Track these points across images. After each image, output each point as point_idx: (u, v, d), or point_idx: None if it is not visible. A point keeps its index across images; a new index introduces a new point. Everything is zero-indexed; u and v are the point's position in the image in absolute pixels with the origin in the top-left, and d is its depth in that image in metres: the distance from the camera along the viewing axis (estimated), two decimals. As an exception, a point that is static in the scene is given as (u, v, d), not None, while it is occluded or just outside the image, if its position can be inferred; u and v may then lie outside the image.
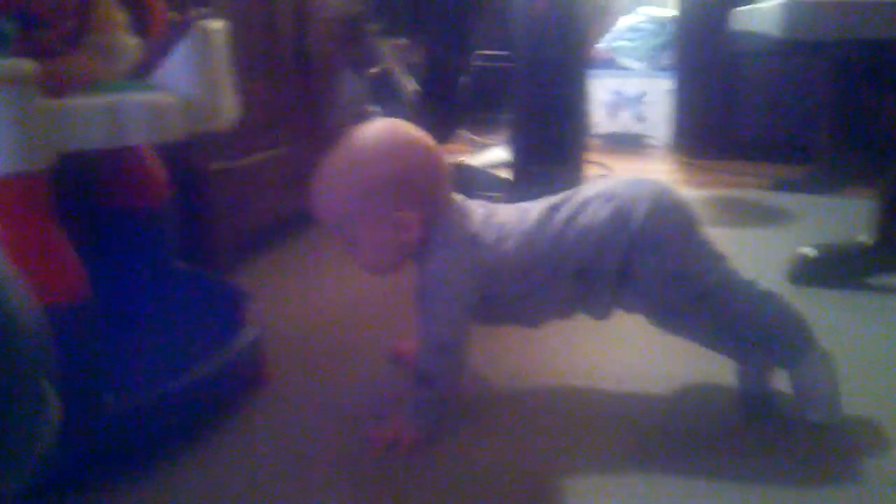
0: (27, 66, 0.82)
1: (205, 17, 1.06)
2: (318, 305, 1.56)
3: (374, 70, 2.74)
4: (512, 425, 1.08)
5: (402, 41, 2.85)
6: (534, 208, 1.11)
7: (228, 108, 1.10)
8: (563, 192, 1.13)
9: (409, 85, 2.86)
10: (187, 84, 1.02)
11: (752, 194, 2.66)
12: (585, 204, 1.08)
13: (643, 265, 1.05)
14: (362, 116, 2.39)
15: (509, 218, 1.10)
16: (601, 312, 1.13)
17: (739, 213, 2.42)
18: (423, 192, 1.05)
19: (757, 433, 1.07)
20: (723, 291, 1.06)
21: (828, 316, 1.23)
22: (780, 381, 1.12)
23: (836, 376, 1.06)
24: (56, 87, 0.90)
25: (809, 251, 1.68)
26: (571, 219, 1.07)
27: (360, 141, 1.07)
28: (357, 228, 1.05)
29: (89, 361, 0.91)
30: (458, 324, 1.05)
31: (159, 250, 1.26)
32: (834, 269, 1.66)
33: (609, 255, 1.05)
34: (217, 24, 1.08)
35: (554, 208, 1.10)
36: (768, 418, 1.10)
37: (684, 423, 1.10)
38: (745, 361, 1.14)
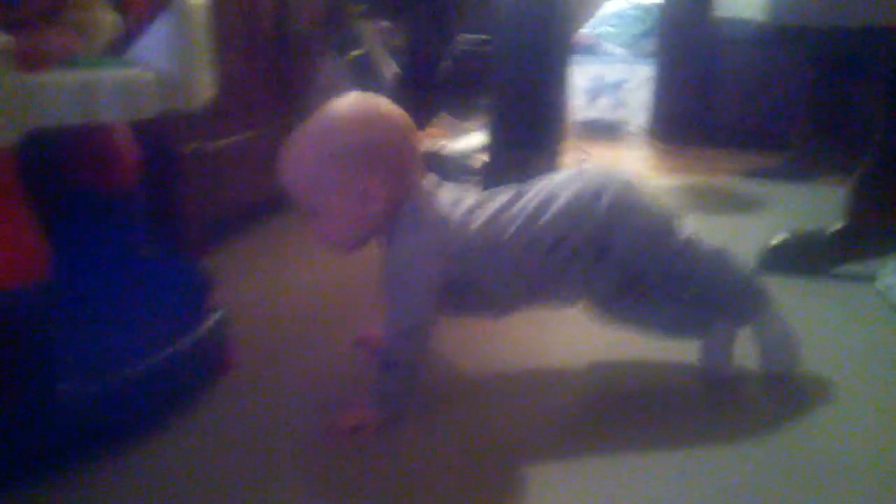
0: (1, 39, 0.81)
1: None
2: (286, 291, 1.56)
3: (355, 53, 2.74)
4: (477, 411, 1.09)
5: (384, 24, 2.84)
6: (503, 193, 1.13)
7: (205, 86, 1.09)
8: (530, 181, 1.15)
9: (391, 68, 2.86)
10: (164, 60, 1.01)
11: (728, 181, 2.69)
12: (557, 187, 1.11)
13: (621, 232, 1.08)
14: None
15: (478, 201, 1.11)
16: (571, 294, 1.15)
17: (714, 200, 2.45)
18: (392, 166, 1.05)
19: (721, 407, 1.11)
20: (688, 248, 1.12)
21: (794, 303, 1.25)
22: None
23: (792, 330, 1.17)
24: (29, 61, 0.90)
25: (780, 239, 1.71)
26: (546, 200, 1.09)
27: (334, 110, 1.06)
28: (323, 196, 1.04)
29: (45, 346, 0.90)
30: (424, 308, 1.05)
31: (127, 233, 1.24)
32: (803, 256, 1.68)
33: (586, 223, 1.08)
34: (197, 1, 1.07)
35: (523, 192, 1.12)
36: (733, 392, 1.16)
37: (649, 402, 1.13)
38: (709, 331, 1.17)
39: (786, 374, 1.18)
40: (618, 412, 1.11)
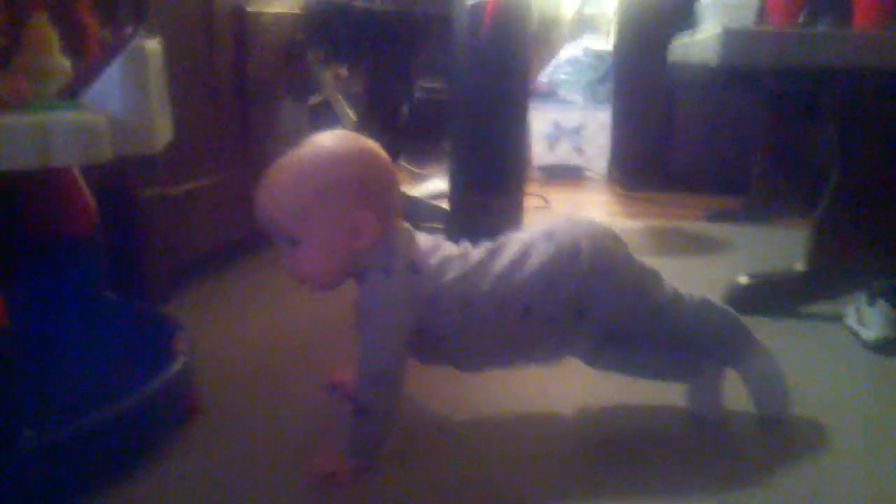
0: (-51, 82, 0.79)
1: (140, 37, 1.04)
2: (253, 335, 1.53)
3: (314, 99, 2.73)
4: (451, 456, 1.07)
5: (343, 70, 2.85)
6: (475, 249, 1.11)
7: (161, 130, 1.07)
8: (500, 237, 1.13)
9: (350, 114, 2.86)
10: (119, 104, 1.00)
11: (688, 225, 2.71)
12: (529, 245, 1.09)
13: (599, 294, 1.07)
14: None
15: (452, 253, 1.09)
16: (549, 355, 1.13)
17: (675, 243, 2.46)
18: (382, 203, 1.04)
19: (712, 449, 1.10)
20: (673, 304, 1.11)
21: (766, 343, 1.25)
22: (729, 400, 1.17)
23: (781, 371, 1.15)
24: (-20, 105, 0.87)
25: (744, 280, 1.71)
26: (517, 260, 1.07)
27: (318, 144, 1.05)
28: (312, 228, 1.01)
29: (5, 393, 0.87)
30: (394, 354, 1.02)
31: (87, 279, 1.23)
32: (768, 297, 1.69)
33: (561, 289, 1.06)
34: (153, 45, 1.06)
35: (495, 251, 1.10)
36: (722, 434, 1.14)
37: (633, 443, 1.11)
38: (696, 376, 1.16)
39: (778, 417, 1.16)
40: (604, 456, 1.08)
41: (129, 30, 1.04)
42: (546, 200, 3.02)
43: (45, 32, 1.11)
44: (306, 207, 1.01)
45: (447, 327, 1.06)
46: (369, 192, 1.03)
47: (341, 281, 1.07)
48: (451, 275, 1.06)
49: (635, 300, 1.09)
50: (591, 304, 1.07)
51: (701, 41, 1.80)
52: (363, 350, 1.02)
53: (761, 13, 2.03)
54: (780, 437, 1.13)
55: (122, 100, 1.00)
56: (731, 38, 1.57)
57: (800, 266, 1.69)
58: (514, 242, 1.11)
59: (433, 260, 1.06)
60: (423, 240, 1.10)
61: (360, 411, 1.01)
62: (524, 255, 1.08)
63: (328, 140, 1.05)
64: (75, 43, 1.11)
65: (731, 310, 1.16)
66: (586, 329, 1.09)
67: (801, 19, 1.78)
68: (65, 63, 1.13)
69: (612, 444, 1.12)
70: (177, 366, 1.09)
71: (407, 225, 1.09)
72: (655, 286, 1.11)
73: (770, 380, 1.15)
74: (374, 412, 1.01)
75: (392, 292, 1.03)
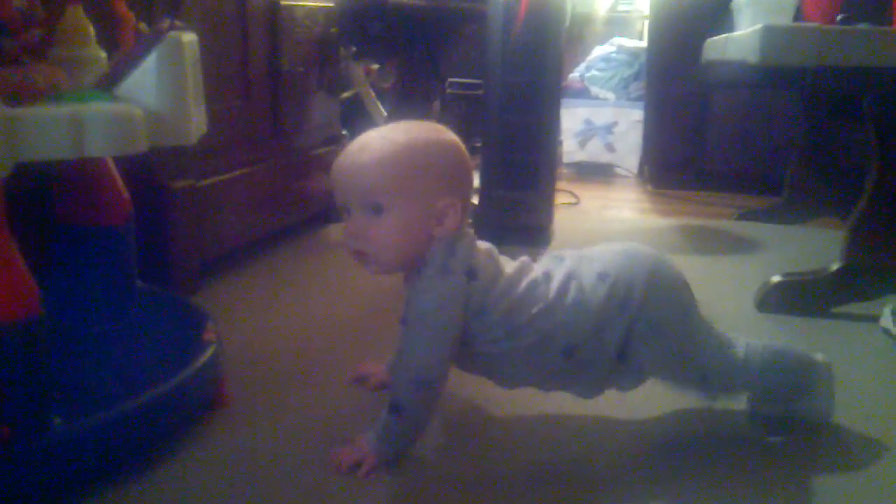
0: (-13, 71, 0.80)
1: (176, 29, 1.04)
2: (280, 326, 1.53)
3: (346, 94, 2.74)
4: (477, 456, 1.06)
5: (375, 66, 2.86)
6: (531, 267, 1.08)
7: (196, 123, 1.07)
8: (559, 255, 1.11)
9: (381, 110, 2.87)
10: (154, 96, 1.00)
11: (720, 224, 2.68)
12: (579, 277, 1.05)
13: (643, 347, 1.04)
14: (333, 140, 2.38)
15: (507, 266, 1.07)
16: (589, 391, 1.10)
17: (707, 242, 2.43)
18: (464, 198, 1.04)
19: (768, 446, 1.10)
20: (724, 369, 1.08)
21: (800, 343, 1.23)
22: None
23: (833, 381, 1.13)
24: (16, 95, 0.88)
25: (777, 279, 1.69)
26: (563, 292, 1.04)
27: (421, 125, 1.05)
28: (399, 199, 0.99)
29: (37, 381, 0.87)
30: (441, 359, 1.00)
31: (120, 269, 1.23)
32: (801, 297, 1.67)
33: (607, 335, 1.03)
34: (189, 37, 1.06)
35: (546, 274, 1.07)
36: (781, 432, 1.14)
37: (689, 445, 1.10)
38: None
39: (824, 422, 1.14)
40: (653, 460, 1.07)
41: (165, 22, 1.04)
42: (576, 197, 3.01)
43: (82, 24, 1.12)
44: (403, 177, 0.99)
45: (488, 343, 1.04)
46: (461, 185, 1.03)
47: (400, 266, 1.05)
48: (502, 291, 1.03)
49: (680, 360, 1.06)
50: (635, 352, 1.04)
51: (740, 38, 1.78)
52: (408, 349, 1.01)
53: (798, 14, 2.01)
54: (825, 441, 1.12)
55: (158, 92, 1.00)
56: (772, 34, 1.54)
57: (835, 266, 1.67)
58: (562, 268, 1.07)
59: (489, 270, 1.04)
60: (482, 247, 1.07)
61: (394, 409, 1.00)
62: (568, 284, 1.04)
63: (430, 126, 1.06)
64: (111, 35, 1.12)
65: (788, 349, 1.13)
66: (627, 371, 1.07)
67: (838, 20, 1.76)
68: (101, 55, 1.14)
69: (658, 446, 1.11)
70: (205, 356, 1.09)
71: (471, 230, 1.07)
72: (704, 344, 1.07)
73: (820, 393, 1.13)
74: (408, 414, 1.00)
75: (448, 295, 1.00)
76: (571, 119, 3.76)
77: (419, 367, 0.99)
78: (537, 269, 1.08)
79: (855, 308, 1.66)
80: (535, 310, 1.03)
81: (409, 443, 1.02)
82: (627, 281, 1.04)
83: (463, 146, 1.05)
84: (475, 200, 2.24)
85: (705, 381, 1.08)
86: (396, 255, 1.02)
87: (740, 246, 2.38)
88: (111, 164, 1.20)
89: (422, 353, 1.00)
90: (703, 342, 1.07)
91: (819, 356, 1.13)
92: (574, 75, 3.97)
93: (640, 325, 1.03)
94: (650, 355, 1.05)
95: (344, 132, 2.50)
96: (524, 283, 1.04)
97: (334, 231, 2.34)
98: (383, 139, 1.02)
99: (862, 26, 1.61)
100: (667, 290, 1.05)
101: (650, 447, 1.11)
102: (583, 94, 3.91)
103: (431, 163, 1.01)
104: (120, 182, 1.21)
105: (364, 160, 1.00)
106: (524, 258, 1.10)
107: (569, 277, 1.05)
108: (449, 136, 1.05)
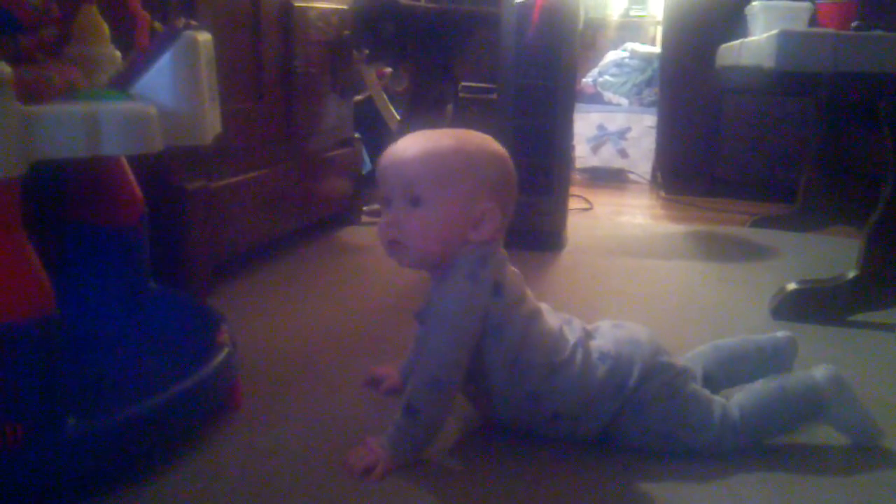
0: (4, 68, 0.79)
1: (192, 28, 1.04)
2: (293, 328, 1.53)
3: (358, 97, 2.74)
4: (493, 460, 1.05)
5: (388, 69, 2.85)
6: (550, 314, 1.09)
7: (210, 122, 1.07)
8: (568, 317, 1.11)
9: (394, 113, 2.86)
10: (169, 95, 0.99)
11: (733, 230, 2.66)
12: (585, 349, 1.06)
13: (628, 422, 1.05)
14: (346, 143, 2.38)
15: (533, 301, 1.08)
16: (577, 439, 1.09)
17: (721, 249, 2.41)
18: (506, 210, 1.05)
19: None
20: (711, 440, 1.05)
21: (816, 351, 1.22)
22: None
23: (858, 399, 1.08)
24: (31, 93, 0.88)
25: (792, 287, 1.68)
26: (571, 360, 1.05)
27: (473, 133, 1.07)
28: (441, 194, 1.01)
29: (51, 381, 0.87)
30: (458, 363, 1.01)
31: (133, 269, 1.23)
32: (816, 305, 1.65)
33: (599, 412, 1.05)
34: (204, 36, 1.06)
35: (562, 332, 1.08)
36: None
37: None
38: None
39: (873, 444, 1.10)
40: (658, 461, 1.05)
41: (180, 21, 1.04)
42: (589, 202, 3.00)
43: (97, 23, 1.13)
44: (449, 174, 1.01)
45: (492, 372, 1.04)
46: (502, 195, 1.04)
47: (431, 262, 1.05)
48: (523, 319, 1.04)
49: (663, 438, 1.05)
50: (616, 434, 1.06)
51: (756, 43, 1.77)
52: (428, 351, 1.01)
53: (813, 20, 2.00)
54: (835, 450, 1.10)
55: (173, 91, 1.00)
56: (788, 39, 1.54)
57: (851, 274, 1.65)
58: (573, 333, 1.08)
59: (514, 292, 1.05)
60: (512, 273, 1.07)
61: (410, 411, 1.00)
62: (576, 354, 1.05)
63: (482, 135, 1.07)
64: (126, 33, 1.11)
65: (782, 387, 1.09)
66: (613, 439, 1.07)
67: (853, 27, 1.75)
68: (116, 53, 1.14)
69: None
70: (219, 358, 1.09)
71: (504, 251, 1.07)
72: (697, 426, 1.05)
73: (853, 415, 1.09)
74: (423, 416, 1.00)
75: (474, 301, 1.01)
76: (584, 124, 3.75)
77: (438, 366, 1.00)
78: (553, 321, 1.08)
79: (871, 317, 1.64)
80: (541, 359, 1.04)
81: (423, 446, 1.02)
82: (627, 365, 1.05)
83: (510, 160, 1.06)
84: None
85: (692, 453, 1.06)
86: (428, 249, 1.03)
87: (754, 253, 2.36)
88: (125, 164, 1.20)
89: (441, 356, 1.00)
90: (694, 418, 1.05)
91: (819, 374, 1.09)
92: (587, 80, 3.96)
93: (629, 402, 1.04)
94: (635, 429, 1.05)
95: (357, 135, 2.50)
96: (543, 325, 1.06)
97: (348, 234, 2.34)
98: (433, 137, 1.05)
99: (878, 33, 1.60)
100: (660, 373, 1.06)
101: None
102: (596, 99, 3.91)
103: (476, 167, 1.02)
104: (134, 182, 1.21)
105: (410, 153, 1.03)
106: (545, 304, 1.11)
107: (576, 346, 1.06)
108: (499, 147, 1.07)
